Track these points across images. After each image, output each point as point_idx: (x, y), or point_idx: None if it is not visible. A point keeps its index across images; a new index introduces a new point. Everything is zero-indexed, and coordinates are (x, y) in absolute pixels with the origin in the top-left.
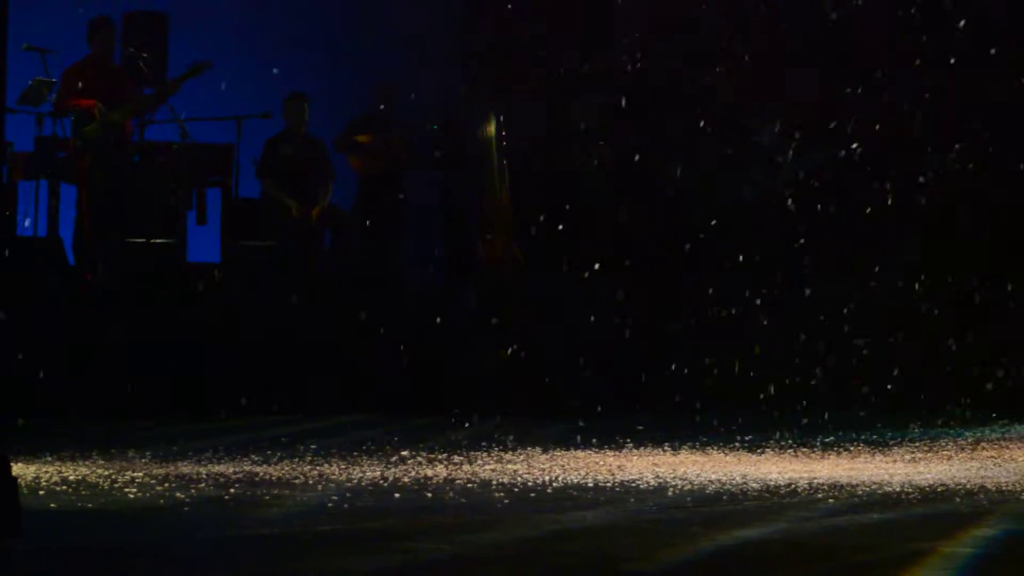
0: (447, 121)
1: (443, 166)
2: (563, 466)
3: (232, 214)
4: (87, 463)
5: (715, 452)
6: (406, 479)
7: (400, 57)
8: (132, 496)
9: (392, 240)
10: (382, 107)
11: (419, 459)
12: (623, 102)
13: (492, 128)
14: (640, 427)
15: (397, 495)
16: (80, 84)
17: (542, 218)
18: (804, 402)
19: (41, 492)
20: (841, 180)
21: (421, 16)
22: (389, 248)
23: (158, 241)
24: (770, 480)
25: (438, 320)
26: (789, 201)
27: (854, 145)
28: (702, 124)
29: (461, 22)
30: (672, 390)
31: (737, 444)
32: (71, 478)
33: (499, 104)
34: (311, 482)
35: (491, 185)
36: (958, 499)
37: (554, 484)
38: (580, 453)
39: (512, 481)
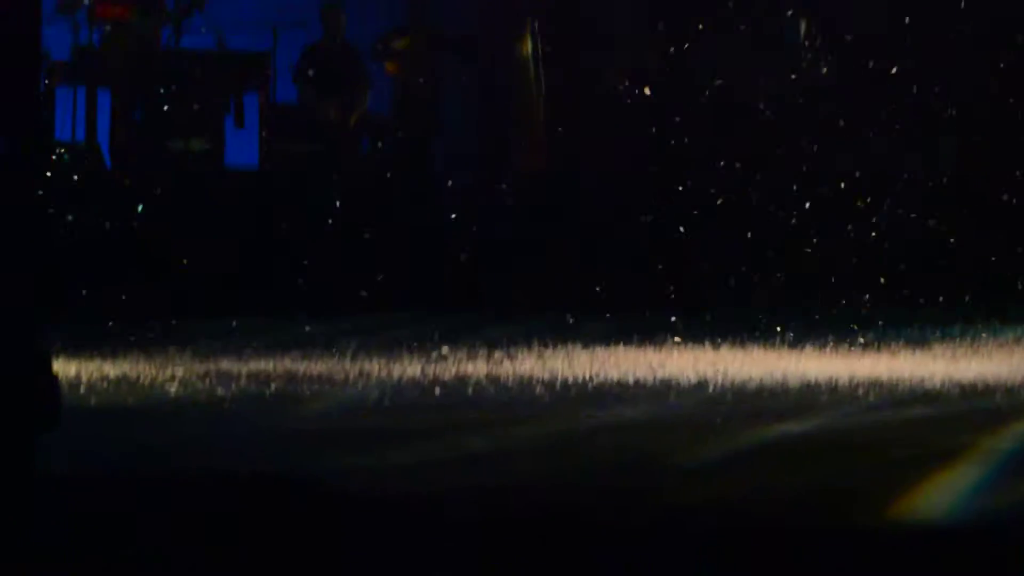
0: (482, 25)
1: (480, 73)
2: (603, 362)
3: (270, 118)
4: (128, 360)
5: (756, 349)
6: (447, 375)
7: None
8: (172, 392)
9: (429, 144)
10: (414, 13)
11: (460, 356)
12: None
13: (529, 41)
14: (680, 325)
15: (438, 390)
16: None
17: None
18: (846, 300)
19: (82, 389)
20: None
21: None
22: (427, 155)
23: (197, 145)
24: (810, 376)
25: (477, 218)
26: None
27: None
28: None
29: None
30: (711, 289)
31: (777, 341)
32: (112, 375)
33: (536, 12)
34: (352, 378)
35: (528, 97)
36: (998, 395)
37: (594, 380)
38: (620, 350)
39: (552, 377)
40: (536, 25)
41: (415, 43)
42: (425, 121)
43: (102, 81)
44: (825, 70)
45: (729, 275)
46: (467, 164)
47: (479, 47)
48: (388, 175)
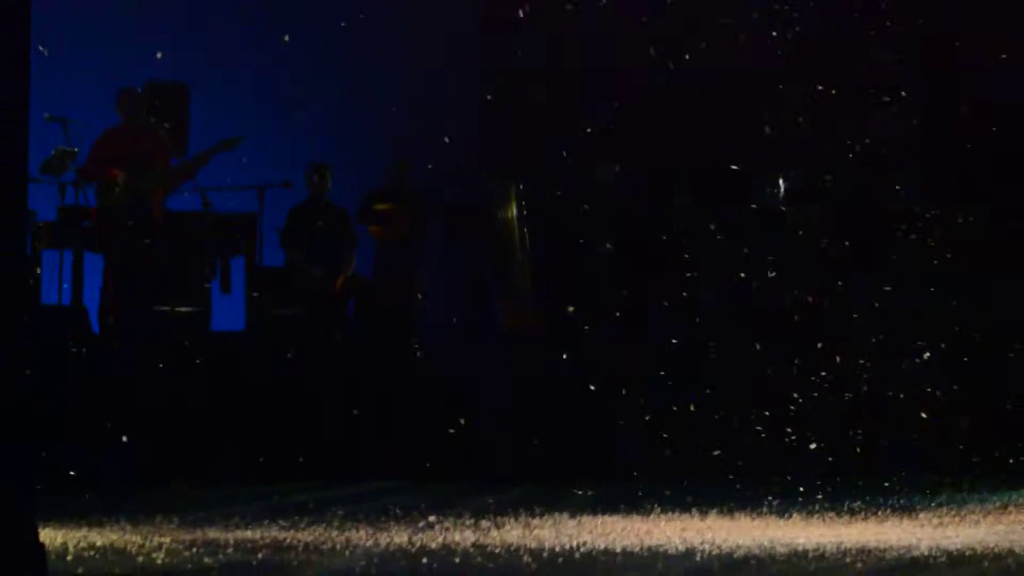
0: (466, 190)
1: (463, 234)
2: (591, 531)
3: (256, 282)
4: (115, 528)
5: (743, 517)
6: (434, 545)
7: (418, 126)
8: (160, 562)
9: (413, 307)
10: (398, 172)
11: (447, 524)
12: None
13: (513, 206)
14: (667, 492)
15: (425, 560)
16: (108, 153)
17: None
18: (831, 467)
19: (69, 557)
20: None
21: (440, 86)
22: (410, 315)
23: (183, 310)
24: (798, 545)
25: (462, 385)
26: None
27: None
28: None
29: (479, 90)
30: (699, 456)
31: (765, 509)
32: (99, 543)
33: (518, 174)
34: (339, 548)
35: (513, 261)
36: (986, 563)
37: (582, 549)
38: (607, 518)
39: (540, 547)
40: (520, 187)
41: (398, 206)
42: (408, 286)
43: (88, 245)
44: None
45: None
46: (452, 330)
47: (463, 210)
48: (373, 338)
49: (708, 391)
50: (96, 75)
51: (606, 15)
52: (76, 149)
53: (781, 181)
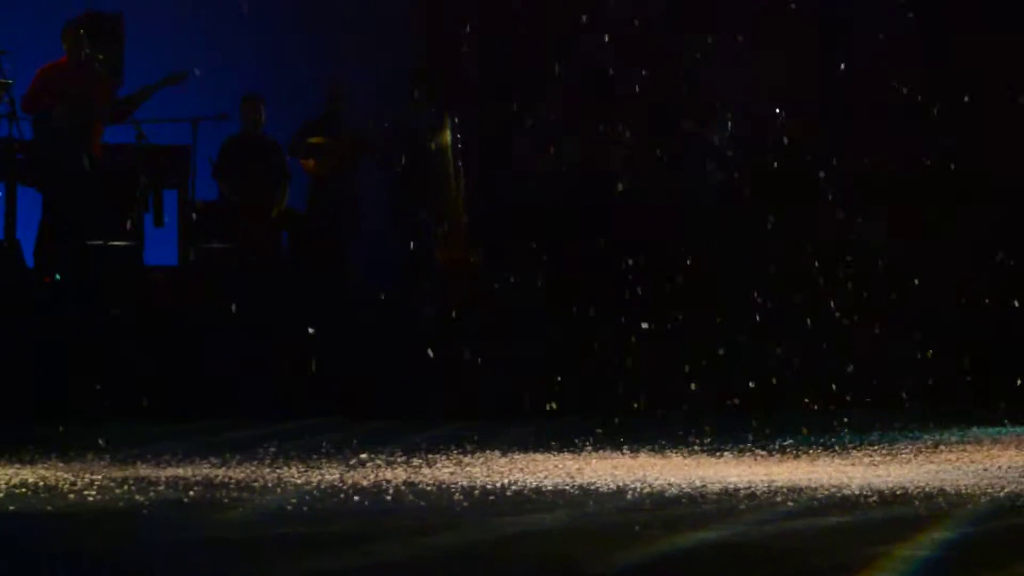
0: (400, 121)
1: (397, 167)
2: (522, 469)
3: (190, 216)
4: (46, 466)
5: (674, 455)
6: (365, 482)
7: (353, 57)
8: (91, 499)
9: (346, 243)
10: (333, 107)
11: (378, 462)
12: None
13: (448, 134)
14: (599, 430)
15: (356, 498)
16: (52, 87)
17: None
18: (763, 405)
19: (0, 495)
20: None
21: (374, 16)
22: (344, 251)
23: (116, 244)
24: (729, 483)
25: (396, 323)
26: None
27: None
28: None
29: (414, 23)
30: (631, 393)
31: (696, 447)
32: (30, 480)
33: (454, 107)
34: (270, 485)
35: (447, 189)
36: (917, 502)
37: (513, 487)
38: (539, 456)
39: (471, 484)
40: (456, 119)
41: (331, 139)
42: (341, 219)
43: (22, 178)
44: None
45: (649, 379)
46: (386, 262)
47: (397, 141)
48: (306, 274)
49: (639, 329)
50: (29, 5)
51: None
52: (11, 80)
53: (729, 123)
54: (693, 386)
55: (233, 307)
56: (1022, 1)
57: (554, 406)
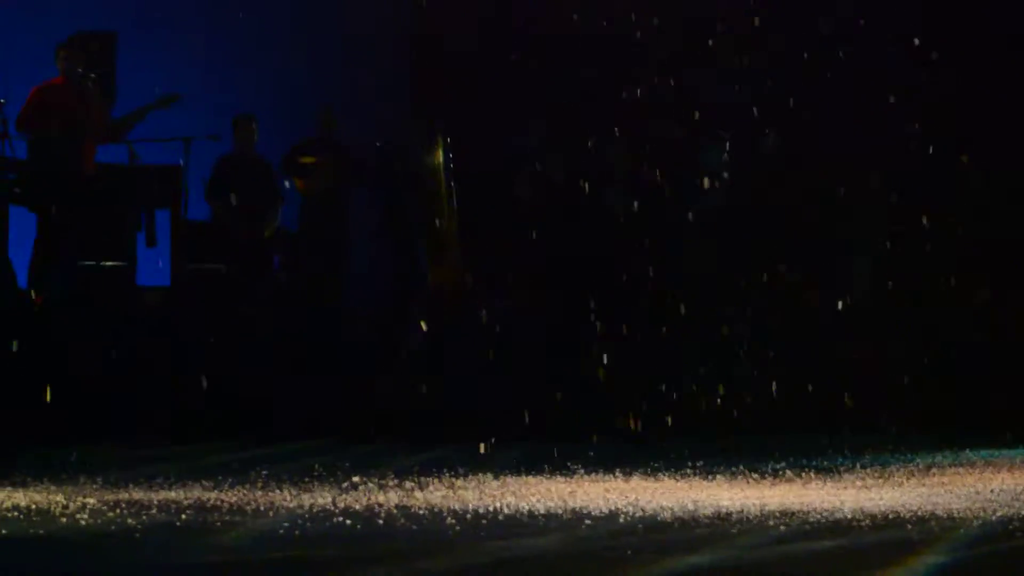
0: (392, 142)
1: (389, 187)
2: (514, 492)
3: (181, 236)
4: (38, 489)
5: (666, 478)
6: (357, 505)
7: (344, 77)
8: (83, 523)
9: (338, 263)
10: (325, 128)
11: (370, 485)
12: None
13: (440, 153)
14: (591, 453)
15: (348, 521)
16: (47, 105)
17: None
18: (756, 428)
19: None
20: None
21: (368, 37)
22: (335, 271)
23: (108, 264)
24: (721, 506)
25: (387, 346)
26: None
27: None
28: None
29: (408, 42)
30: (623, 416)
31: (688, 470)
32: (22, 504)
33: (447, 128)
34: (262, 508)
35: (439, 210)
36: (909, 526)
37: (505, 511)
38: (531, 479)
39: (463, 508)
40: (447, 139)
41: (323, 159)
42: (332, 239)
43: (13, 198)
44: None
45: (642, 402)
46: (378, 282)
47: (389, 162)
48: (297, 295)
49: (632, 351)
50: (21, 25)
51: None
52: (3, 100)
53: (727, 144)
54: (685, 409)
55: (224, 328)
56: None
57: (546, 429)
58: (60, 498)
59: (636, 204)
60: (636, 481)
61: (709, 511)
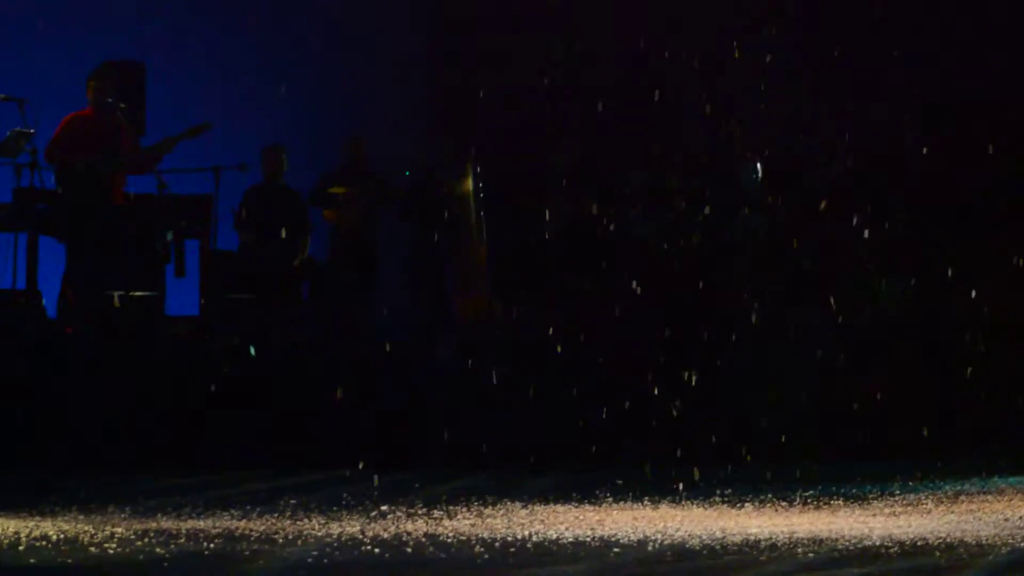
0: (422, 171)
1: (418, 218)
2: (542, 520)
3: (211, 266)
4: (67, 518)
5: (694, 506)
6: (385, 534)
7: (375, 108)
8: (112, 552)
9: (367, 293)
10: (354, 157)
11: (398, 513)
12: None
13: (469, 182)
14: (619, 481)
15: (376, 550)
16: (77, 135)
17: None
18: (783, 455)
19: (21, 547)
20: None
21: (396, 68)
22: (364, 301)
23: (138, 294)
24: (750, 534)
25: (415, 374)
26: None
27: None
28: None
29: (435, 73)
30: (651, 444)
31: (717, 498)
32: (51, 534)
33: (477, 156)
34: (291, 537)
35: (468, 239)
36: (937, 553)
37: (533, 539)
38: (559, 507)
39: (492, 536)
40: (478, 168)
41: (352, 189)
42: (362, 269)
43: (44, 228)
44: None
45: (669, 430)
46: (407, 311)
47: (418, 191)
48: (326, 325)
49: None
50: (52, 54)
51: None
52: (32, 130)
53: (759, 165)
54: (714, 437)
55: (253, 357)
56: None
57: (574, 457)
58: (89, 528)
59: (669, 230)
60: (664, 509)
61: (737, 539)
